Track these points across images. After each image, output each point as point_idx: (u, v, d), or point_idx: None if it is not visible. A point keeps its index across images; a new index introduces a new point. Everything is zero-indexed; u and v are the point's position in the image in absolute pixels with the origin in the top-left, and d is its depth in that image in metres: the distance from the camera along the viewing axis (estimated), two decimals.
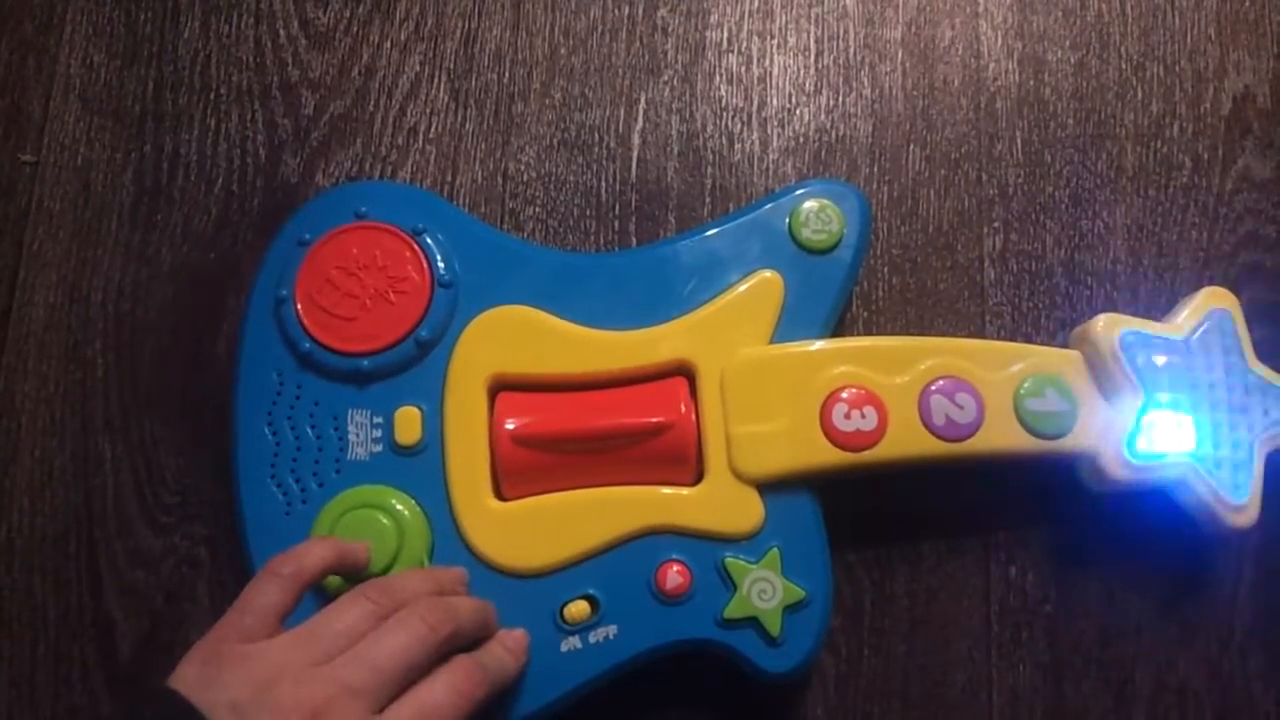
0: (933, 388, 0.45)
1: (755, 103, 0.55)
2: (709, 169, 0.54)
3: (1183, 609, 0.49)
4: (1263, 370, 0.46)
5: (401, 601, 0.38)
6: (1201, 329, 0.46)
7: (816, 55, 0.55)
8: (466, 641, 0.39)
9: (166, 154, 0.55)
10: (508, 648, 0.41)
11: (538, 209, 0.54)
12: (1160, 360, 0.45)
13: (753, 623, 0.43)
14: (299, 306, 0.47)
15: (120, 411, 0.51)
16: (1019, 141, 0.54)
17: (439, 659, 0.38)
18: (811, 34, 0.56)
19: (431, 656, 0.37)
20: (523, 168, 0.54)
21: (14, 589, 0.49)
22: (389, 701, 0.36)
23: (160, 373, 0.52)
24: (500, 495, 0.45)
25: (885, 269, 0.52)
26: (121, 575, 0.49)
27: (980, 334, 0.52)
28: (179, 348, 0.52)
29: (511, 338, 0.46)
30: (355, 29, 0.56)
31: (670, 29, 0.56)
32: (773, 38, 0.56)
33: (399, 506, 0.44)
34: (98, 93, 0.55)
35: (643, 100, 0.55)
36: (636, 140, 0.54)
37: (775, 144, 0.54)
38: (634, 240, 0.53)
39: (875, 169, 0.54)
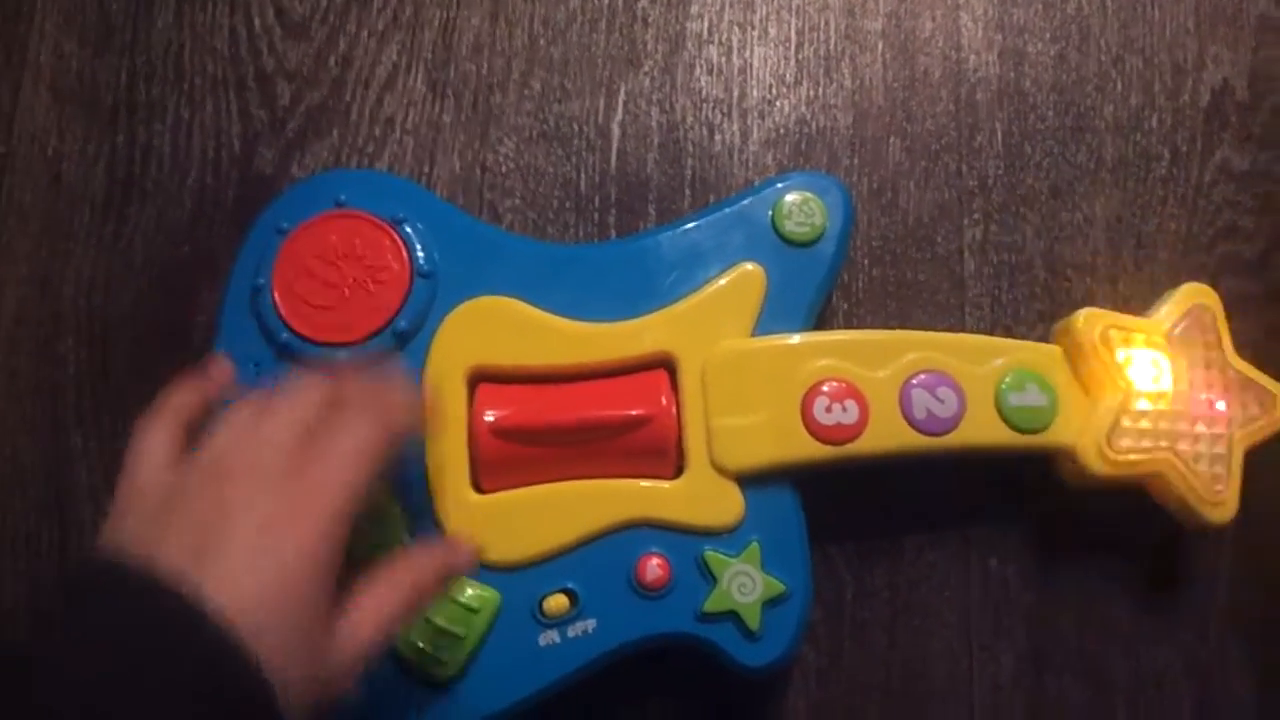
0: (914, 381, 0.45)
1: (735, 94, 0.54)
2: (689, 160, 0.54)
3: (1161, 601, 0.49)
4: (1243, 366, 0.46)
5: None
6: (1182, 324, 0.46)
7: (797, 46, 0.55)
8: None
9: (139, 145, 0.54)
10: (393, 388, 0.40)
11: (516, 200, 0.53)
12: (1141, 355, 0.45)
13: (732, 617, 0.43)
14: (277, 296, 0.46)
15: (93, 407, 0.51)
16: (999, 133, 0.54)
17: None
18: (792, 25, 0.55)
19: (321, 415, 0.36)
20: (501, 159, 0.54)
21: None
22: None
23: (133, 368, 0.51)
24: (479, 487, 0.45)
25: (865, 260, 0.52)
26: None
27: (960, 325, 0.52)
28: (152, 342, 0.51)
29: (491, 329, 0.46)
30: (331, 18, 0.55)
31: (650, 19, 0.56)
32: (753, 29, 0.55)
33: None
34: (69, 82, 0.55)
35: (622, 91, 0.55)
36: (616, 131, 0.54)
37: (755, 135, 0.54)
38: (613, 232, 0.53)
39: (855, 160, 0.54)
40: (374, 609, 0.35)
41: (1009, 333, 0.51)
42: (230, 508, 0.33)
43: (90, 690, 0.29)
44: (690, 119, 0.54)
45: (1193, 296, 0.47)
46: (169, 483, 0.35)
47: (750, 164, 0.54)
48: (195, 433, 0.38)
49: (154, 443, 0.37)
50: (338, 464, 0.35)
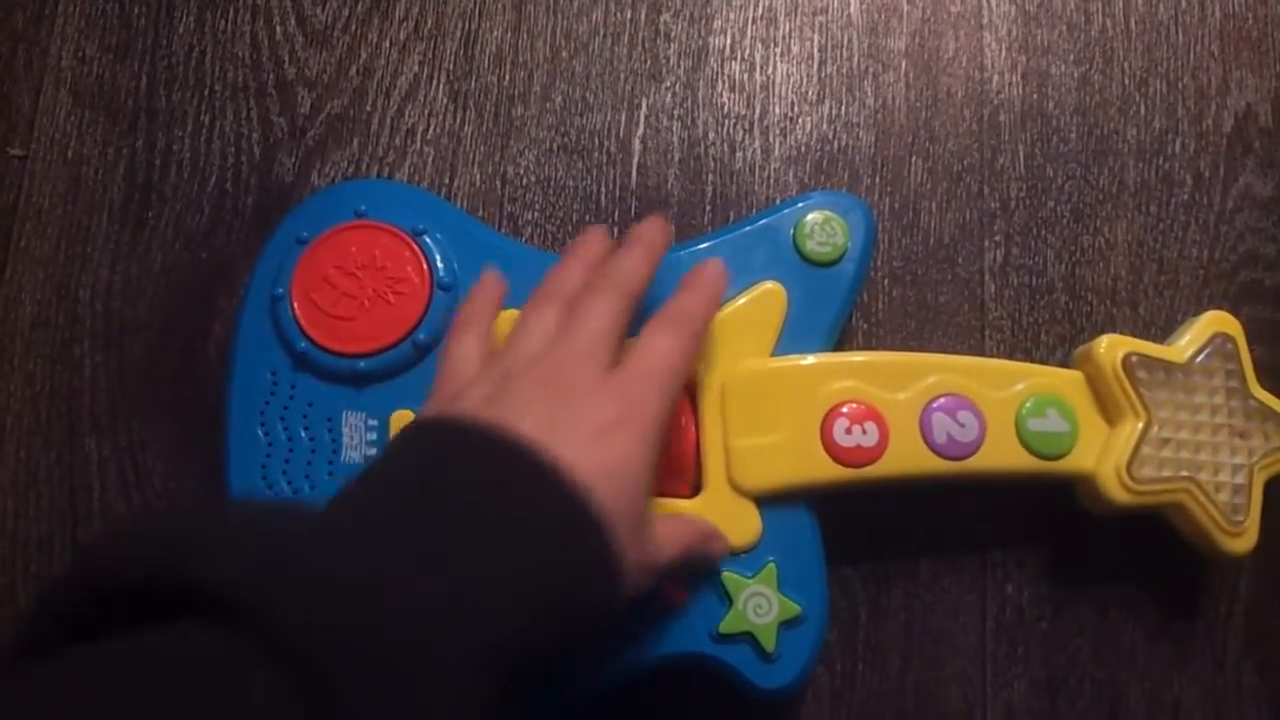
0: (934, 405, 0.45)
1: (757, 110, 0.54)
2: (710, 176, 0.53)
3: (1177, 629, 0.49)
4: (1264, 396, 0.46)
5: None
6: (1204, 353, 0.46)
7: (820, 64, 0.55)
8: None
9: (159, 150, 0.54)
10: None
11: (536, 214, 0.53)
12: (1162, 383, 0.45)
13: (748, 638, 0.43)
14: (295, 305, 0.46)
15: (108, 412, 0.50)
16: (1021, 155, 0.54)
17: None
18: (815, 42, 0.55)
19: (630, 313, 0.39)
20: (522, 171, 0.54)
21: None
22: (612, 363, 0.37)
23: (150, 373, 0.51)
24: None
25: (885, 280, 0.52)
26: None
27: (980, 347, 0.51)
28: (169, 348, 0.51)
29: None
30: (353, 27, 0.55)
31: (673, 34, 0.55)
32: (776, 45, 0.55)
33: None
34: (89, 87, 0.55)
35: (644, 106, 0.54)
36: (637, 146, 0.54)
37: (777, 152, 0.54)
38: None
39: (877, 180, 0.54)
40: (678, 534, 0.39)
41: (1029, 355, 0.51)
42: (564, 409, 0.35)
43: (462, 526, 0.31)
44: (712, 135, 0.54)
45: (1215, 324, 0.47)
46: (497, 378, 0.36)
47: (771, 181, 0.53)
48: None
49: (470, 344, 0.40)
50: (656, 383, 0.37)
